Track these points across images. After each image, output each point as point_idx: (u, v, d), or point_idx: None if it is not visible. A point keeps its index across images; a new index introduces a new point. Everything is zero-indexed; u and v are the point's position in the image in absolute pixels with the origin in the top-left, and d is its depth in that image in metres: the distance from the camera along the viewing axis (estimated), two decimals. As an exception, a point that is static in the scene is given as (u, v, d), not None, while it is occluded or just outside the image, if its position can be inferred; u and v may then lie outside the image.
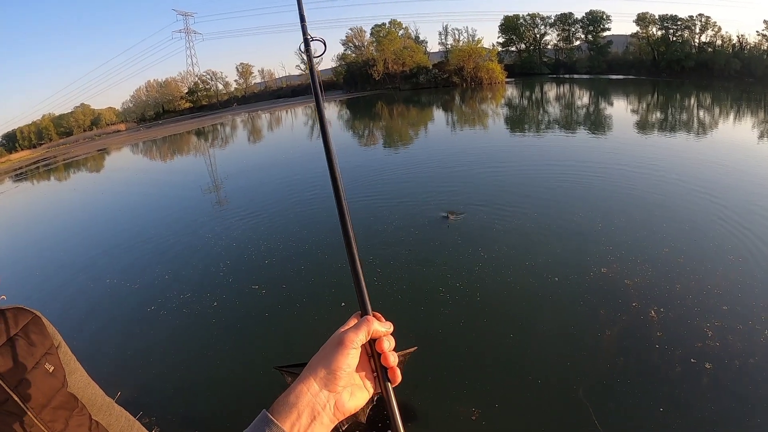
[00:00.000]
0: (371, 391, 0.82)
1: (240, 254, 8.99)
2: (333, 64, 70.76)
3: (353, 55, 65.73)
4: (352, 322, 0.81)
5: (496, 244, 7.81)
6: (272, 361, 4.97)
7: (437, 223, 9.02)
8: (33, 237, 14.23)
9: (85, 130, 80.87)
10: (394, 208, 10.28)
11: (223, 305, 7.08)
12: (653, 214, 8.47)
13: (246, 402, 4.72)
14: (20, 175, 40.71)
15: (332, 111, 43.74)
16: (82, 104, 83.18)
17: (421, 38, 65.47)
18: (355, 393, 0.79)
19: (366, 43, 64.77)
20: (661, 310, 5.43)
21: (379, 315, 0.82)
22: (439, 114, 32.86)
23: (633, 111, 24.40)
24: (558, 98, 35.50)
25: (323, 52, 1.04)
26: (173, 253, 9.89)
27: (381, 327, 0.80)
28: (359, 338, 0.77)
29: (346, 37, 66.21)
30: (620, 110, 24.80)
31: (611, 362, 4.68)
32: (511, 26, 61.31)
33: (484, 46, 57.01)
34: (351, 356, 0.76)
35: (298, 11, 1.07)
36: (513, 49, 62.62)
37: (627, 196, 9.70)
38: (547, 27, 60.78)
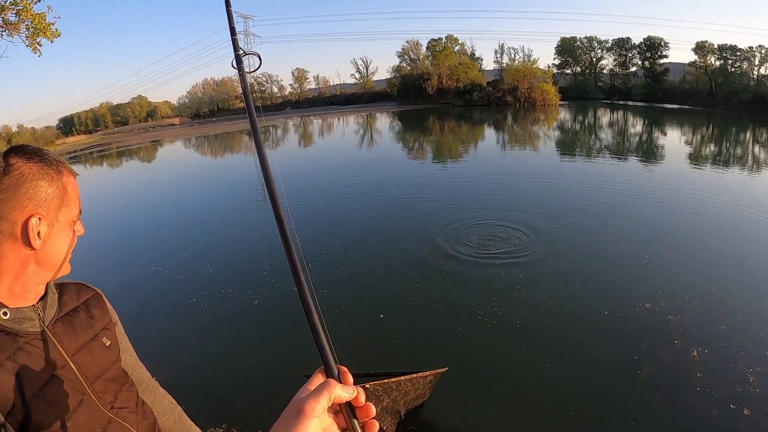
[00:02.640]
0: None
1: (284, 255, 9.05)
2: (388, 75, 71.47)
3: (408, 67, 66.18)
4: (315, 380, 0.75)
5: (538, 269, 7.70)
6: (306, 367, 4.98)
7: (479, 243, 8.96)
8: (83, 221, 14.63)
9: (140, 121, 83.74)
10: (435, 222, 10.28)
11: (263, 304, 7.17)
12: (702, 250, 8.21)
13: (276, 405, 4.72)
14: (74, 158, 42.26)
15: (384, 121, 44.03)
16: (140, 96, 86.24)
17: (477, 55, 65.64)
18: None
19: (421, 57, 65.16)
20: (704, 350, 5.24)
21: (345, 370, 0.76)
22: (490, 132, 32.62)
23: (687, 142, 23.73)
24: (611, 124, 34.80)
25: (258, 67, 0.97)
26: (218, 248, 10.13)
27: (344, 392, 0.72)
28: (320, 406, 0.70)
29: (402, 49, 66.91)
30: (673, 141, 24.15)
31: (647, 399, 4.54)
32: (567, 48, 60.75)
33: (540, 66, 56.49)
34: (312, 426, 0.69)
35: (228, 25, 0.99)
36: (568, 71, 62.00)
37: (676, 229, 9.41)
38: (604, 51, 60.10)
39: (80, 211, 1.28)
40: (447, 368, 4.48)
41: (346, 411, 0.73)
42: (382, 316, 6.53)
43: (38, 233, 1.14)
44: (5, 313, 1.13)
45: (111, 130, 79.75)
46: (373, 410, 0.74)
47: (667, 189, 12.76)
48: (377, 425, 0.74)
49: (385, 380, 3.93)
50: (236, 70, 0.91)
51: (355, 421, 0.72)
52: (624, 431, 4.13)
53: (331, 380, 0.73)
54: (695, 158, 18.60)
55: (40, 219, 1.14)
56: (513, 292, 6.95)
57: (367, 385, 3.82)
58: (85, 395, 1.26)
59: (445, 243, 9.02)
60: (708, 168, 16.51)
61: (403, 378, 4.03)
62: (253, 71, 0.93)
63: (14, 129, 75.38)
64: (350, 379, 0.75)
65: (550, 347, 5.54)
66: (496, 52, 65.33)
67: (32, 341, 1.16)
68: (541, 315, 6.29)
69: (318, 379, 0.75)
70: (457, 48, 62.99)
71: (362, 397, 0.73)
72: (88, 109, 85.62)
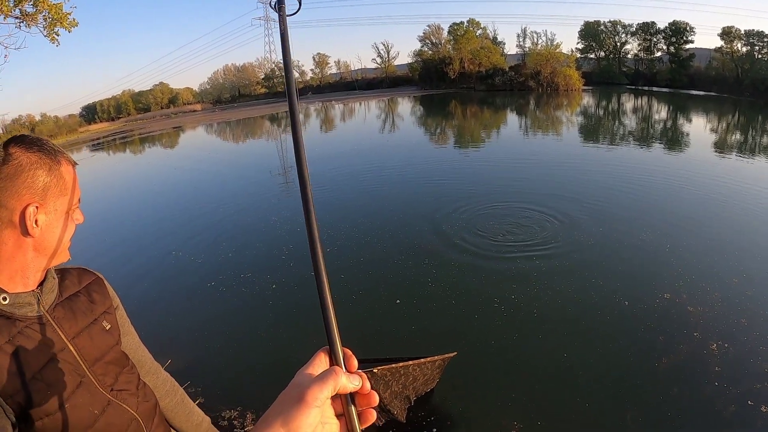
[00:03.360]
0: None
1: (303, 240, 9.09)
2: (409, 60, 70.99)
3: (430, 52, 65.67)
4: (318, 361, 0.71)
5: (557, 256, 7.62)
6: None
7: (498, 230, 8.90)
8: (105, 206, 14.94)
9: (162, 108, 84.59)
10: (454, 207, 10.22)
11: (281, 288, 7.22)
12: (725, 241, 8.01)
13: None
14: (97, 145, 42.94)
15: (406, 107, 43.76)
16: (161, 82, 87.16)
17: (499, 39, 64.82)
18: None
19: (443, 41, 64.61)
20: (723, 344, 5.13)
21: (350, 354, 0.71)
22: (512, 118, 32.24)
23: (712, 130, 23.19)
24: (635, 110, 34.12)
25: (297, 10, 0.88)
26: (238, 232, 10.22)
27: (350, 382, 0.67)
28: (323, 395, 0.65)
29: (424, 33, 66.41)
30: (699, 128, 23.64)
31: (664, 392, 4.48)
32: (591, 32, 59.48)
33: (563, 51, 55.64)
34: (312, 416, 0.64)
35: None
36: (592, 56, 60.67)
37: (700, 218, 9.20)
38: (628, 35, 58.49)
39: (79, 199, 1.32)
40: (456, 353, 4.46)
41: (344, 397, 0.68)
42: (398, 301, 6.55)
43: (36, 221, 1.18)
44: (4, 299, 1.17)
45: (133, 117, 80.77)
46: (376, 399, 0.70)
47: (691, 177, 12.49)
48: (375, 415, 0.70)
49: (393, 365, 3.93)
50: (276, 12, 0.81)
51: (352, 408, 0.68)
52: (640, 423, 4.08)
53: (337, 368, 0.68)
54: (720, 146, 18.17)
55: (37, 207, 1.17)
56: (531, 280, 6.89)
57: (375, 370, 3.83)
58: (84, 377, 1.30)
59: (463, 229, 8.99)
60: (734, 156, 16.11)
61: (411, 363, 4.03)
62: (294, 13, 0.85)
63: (37, 117, 76.87)
64: (355, 363, 0.70)
65: (567, 336, 5.48)
66: (518, 36, 64.92)
67: (32, 325, 1.20)
68: (559, 303, 6.23)
69: (320, 360, 0.71)
70: (479, 32, 62.23)
71: (367, 385, 0.69)
72: (110, 96, 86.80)
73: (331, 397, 0.68)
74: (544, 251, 7.83)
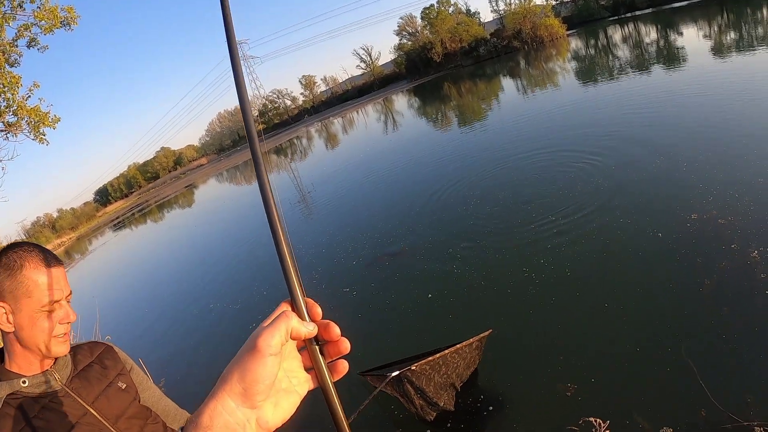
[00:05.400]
0: (304, 390, 0.67)
1: (330, 258, 9.41)
2: (392, 56, 70.98)
3: (409, 43, 65.62)
4: (277, 312, 0.64)
5: (578, 207, 7.44)
6: (357, 367, 4.85)
7: (513, 193, 8.79)
8: (140, 274, 15.76)
9: (170, 171, 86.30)
10: (474, 184, 10.20)
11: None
12: (742, 142, 7.65)
13: (324, 408, 4.79)
14: (118, 224, 43.99)
15: (402, 102, 43.73)
16: (163, 148, 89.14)
17: (473, 10, 64.18)
18: (280, 402, 0.64)
19: (419, 28, 64.47)
20: (764, 248, 4.94)
21: (313, 303, 0.65)
22: (507, 82, 31.79)
23: (705, 36, 22.49)
24: (624, 40, 33.34)
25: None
26: (268, 270, 10.37)
27: (303, 327, 0.62)
28: (275, 342, 0.60)
29: (398, 26, 66.51)
30: (691, 38, 22.91)
31: (714, 315, 4.31)
32: (559, -25, 58.52)
33: (537, 2, 54.74)
34: (269, 365, 0.59)
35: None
36: (567, -1, 59.78)
37: (712, 127, 8.80)
38: (596, -34, 57.32)
39: (52, 300, 1.37)
40: (491, 330, 4.42)
41: (311, 347, 0.64)
42: (430, 295, 6.50)
43: (7, 319, 1.32)
44: (24, 382, 1.35)
45: (145, 188, 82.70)
46: (346, 347, 0.64)
47: (694, 89, 12.03)
48: (346, 366, 0.65)
49: (431, 357, 3.91)
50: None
51: (320, 358, 0.64)
52: (694, 355, 3.93)
53: (287, 311, 0.63)
54: (718, 50, 17.60)
55: (3, 308, 1.31)
56: (556, 237, 6.77)
57: (414, 367, 3.82)
58: None
59: (478, 200, 8.99)
60: (734, 56, 15.58)
61: (447, 351, 4.00)
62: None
63: (55, 214, 79.12)
64: (319, 311, 0.64)
65: (604, 287, 5.34)
66: (490, 1, 63.82)
67: (53, 399, 1.38)
68: (590, 256, 6.07)
69: (281, 308, 0.64)
70: (451, 9, 61.92)
71: (336, 332, 0.64)
72: (118, 174, 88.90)
73: (300, 349, 0.66)
74: (563, 205, 7.67)
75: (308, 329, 0.62)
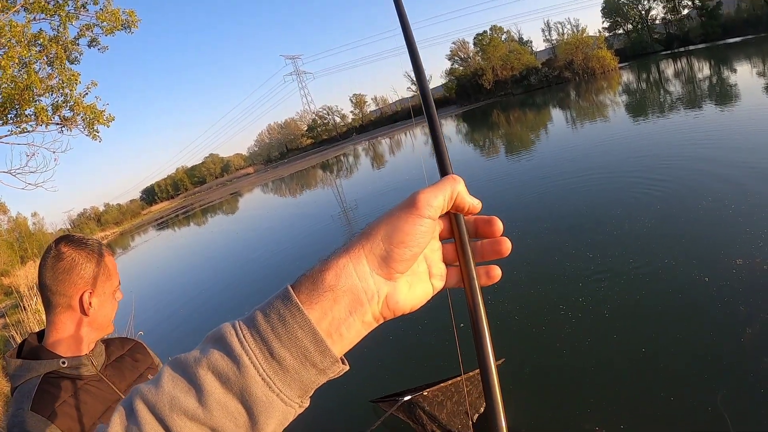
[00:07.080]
0: (439, 285, 0.59)
1: None
2: (442, 81, 71.30)
3: (461, 68, 65.93)
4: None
5: (621, 242, 7.28)
6: (370, 393, 4.80)
7: (552, 225, 8.71)
8: (178, 274, 16.01)
9: (216, 177, 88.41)
10: (512, 215, 10.05)
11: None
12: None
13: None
14: (162, 223, 45.16)
15: (450, 127, 43.68)
16: (211, 154, 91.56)
17: (525, 39, 64.38)
18: (414, 286, 0.56)
19: (471, 54, 64.79)
20: (811, 299, 4.79)
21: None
22: (556, 113, 31.53)
23: (759, 74, 21.94)
24: (677, 74, 32.71)
25: None
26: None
27: (470, 197, 0.55)
28: (437, 202, 0.52)
29: (451, 51, 66.98)
30: (744, 75, 22.38)
31: (754, 365, 4.15)
32: (613, 8, 58.17)
33: (590, 34, 54.85)
34: (424, 228, 0.52)
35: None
36: (620, 31, 59.34)
37: (759, 167, 8.49)
38: (652, 1, 56.74)
39: (119, 281, 1.60)
40: (504, 360, 4.40)
41: (461, 235, 0.56)
42: (462, 325, 6.41)
43: (90, 304, 1.46)
44: (63, 362, 1.43)
45: (191, 191, 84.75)
46: (507, 246, 0.56)
47: (745, 129, 11.63)
48: (499, 273, 0.57)
49: (442, 383, 3.93)
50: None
51: (469, 252, 0.55)
52: (729, 405, 3.79)
53: (454, 175, 0.56)
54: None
55: (90, 293, 1.46)
56: (596, 275, 6.58)
57: (426, 392, 3.84)
58: None
59: (519, 232, 8.83)
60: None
61: (459, 378, 4.00)
62: None
63: (101, 208, 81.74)
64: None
65: (643, 332, 5.09)
66: (543, 30, 63.99)
67: (89, 382, 1.48)
68: (629, 299, 5.81)
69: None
70: (503, 37, 62.14)
71: (497, 226, 0.56)
72: (165, 176, 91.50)
73: (443, 240, 0.58)
74: (605, 240, 7.53)
75: (473, 203, 0.56)
